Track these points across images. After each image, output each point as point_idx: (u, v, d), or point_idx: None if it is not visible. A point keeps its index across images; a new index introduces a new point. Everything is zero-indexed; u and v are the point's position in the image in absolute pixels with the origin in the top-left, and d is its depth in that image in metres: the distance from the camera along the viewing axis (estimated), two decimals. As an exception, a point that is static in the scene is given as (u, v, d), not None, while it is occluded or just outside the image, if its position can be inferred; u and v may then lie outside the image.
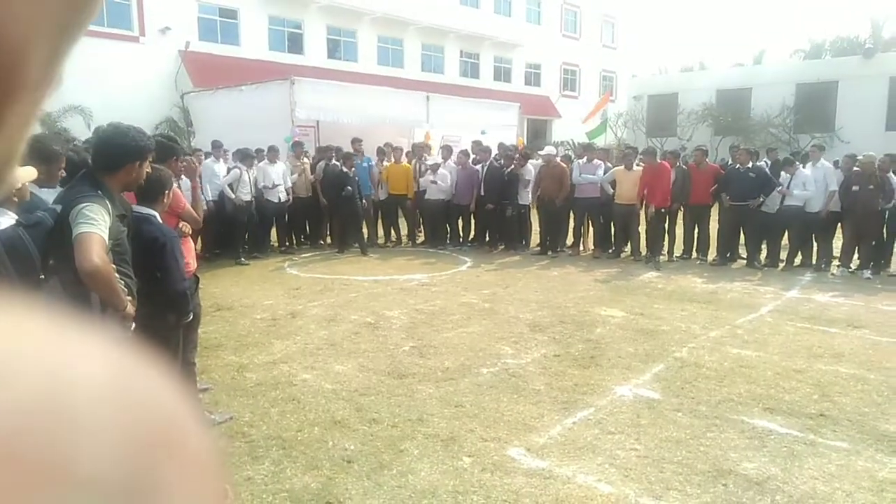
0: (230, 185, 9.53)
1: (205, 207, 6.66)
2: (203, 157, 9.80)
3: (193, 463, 0.21)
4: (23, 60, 0.22)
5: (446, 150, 11.63)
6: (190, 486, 0.20)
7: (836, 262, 9.30)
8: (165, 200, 3.48)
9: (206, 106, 13.23)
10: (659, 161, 10.25)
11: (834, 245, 9.47)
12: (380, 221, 11.62)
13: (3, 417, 0.16)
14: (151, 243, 3.29)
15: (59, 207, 2.70)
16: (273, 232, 10.59)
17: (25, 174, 2.38)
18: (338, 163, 10.43)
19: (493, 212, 10.81)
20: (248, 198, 9.64)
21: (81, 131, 11.72)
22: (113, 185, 2.78)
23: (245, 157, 9.66)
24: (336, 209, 10.46)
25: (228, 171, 9.79)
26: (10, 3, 0.21)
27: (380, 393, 4.44)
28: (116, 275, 2.68)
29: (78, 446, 0.17)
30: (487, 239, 11.20)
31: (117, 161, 2.78)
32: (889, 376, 4.84)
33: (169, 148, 4.31)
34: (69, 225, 2.56)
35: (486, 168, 10.97)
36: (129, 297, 2.80)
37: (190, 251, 4.15)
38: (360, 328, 6.05)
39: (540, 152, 11.27)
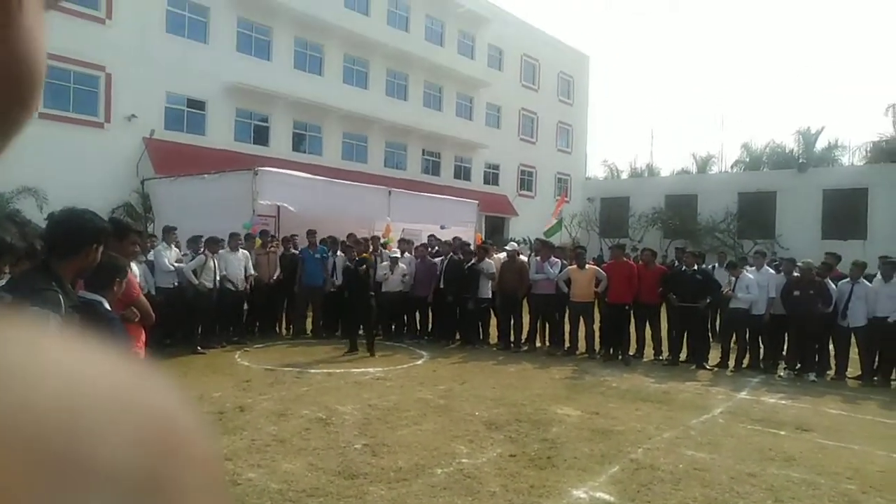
0: (194, 271, 9.41)
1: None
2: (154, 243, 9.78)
3: (201, 465, 0.22)
4: None
5: (404, 243, 11.81)
6: (198, 487, 0.21)
7: (782, 365, 9.56)
8: (116, 289, 3.37)
9: (167, 193, 13.23)
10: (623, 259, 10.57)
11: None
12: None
13: (28, 421, 0.18)
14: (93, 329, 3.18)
15: (7, 297, 2.59)
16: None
17: None
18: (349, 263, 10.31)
19: (451, 305, 10.87)
20: (210, 285, 9.51)
21: (33, 213, 11.52)
22: (68, 271, 2.70)
23: (212, 243, 9.61)
24: (350, 305, 10.15)
25: (184, 257, 9.70)
26: None
27: (328, 494, 4.25)
28: None
29: (96, 448, 0.18)
30: (445, 333, 11.18)
31: (74, 245, 2.72)
32: (838, 481, 4.89)
33: (123, 228, 4.20)
34: None
35: (446, 261, 11.13)
36: None
37: (139, 339, 4.02)
38: (310, 424, 5.85)
39: (507, 247, 11.52)
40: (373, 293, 10.02)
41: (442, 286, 10.97)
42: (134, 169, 17.77)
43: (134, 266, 4.49)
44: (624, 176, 38.73)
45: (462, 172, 29.95)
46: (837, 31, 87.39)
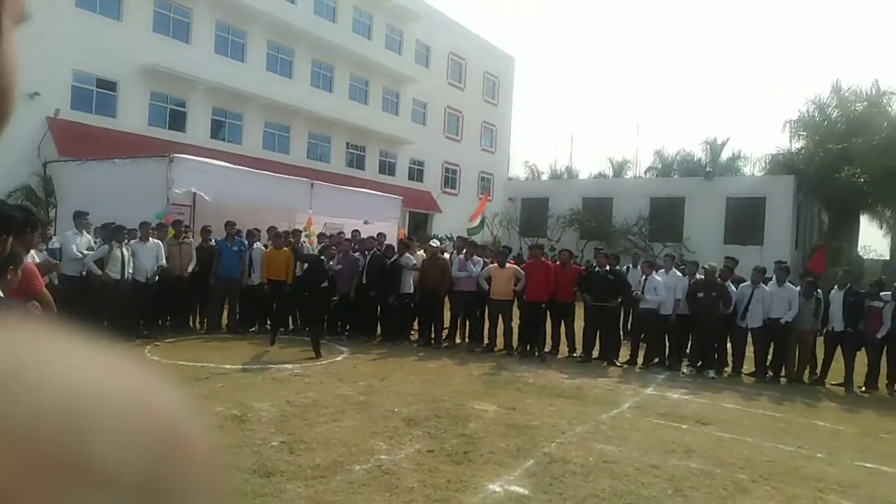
0: (97, 261, 8.92)
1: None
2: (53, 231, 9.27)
3: (201, 465, 0.23)
4: None
5: (325, 238, 11.72)
6: (199, 488, 0.22)
7: (685, 362, 10.12)
8: (10, 277, 3.19)
9: (73, 177, 12.46)
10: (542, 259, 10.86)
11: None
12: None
13: (30, 423, 0.18)
14: None
15: None
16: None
17: None
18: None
19: (373, 301, 10.85)
20: (117, 276, 9.04)
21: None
22: None
23: (117, 232, 9.12)
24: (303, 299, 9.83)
25: (95, 244, 9.22)
26: None
27: (244, 493, 4.16)
28: None
29: (99, 449, 0.19)
30: (366, 329, 11.13)
31: None
32: (732, 471, 5.25)
33: (32, 218, 3.98)
34: None
35: (368, 257, 11.09)
36: None
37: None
38: (224, 421, 5.70)
39: (430, 244, 11.61)
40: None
41: (364, 281, 10.93)
42: (35, 150, 16.61)
43: (34, 255, 4.23)
44: (544, 177, 39.75)
45: (387, 167, 29.82)
46: (744, 50, 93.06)
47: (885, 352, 9.40)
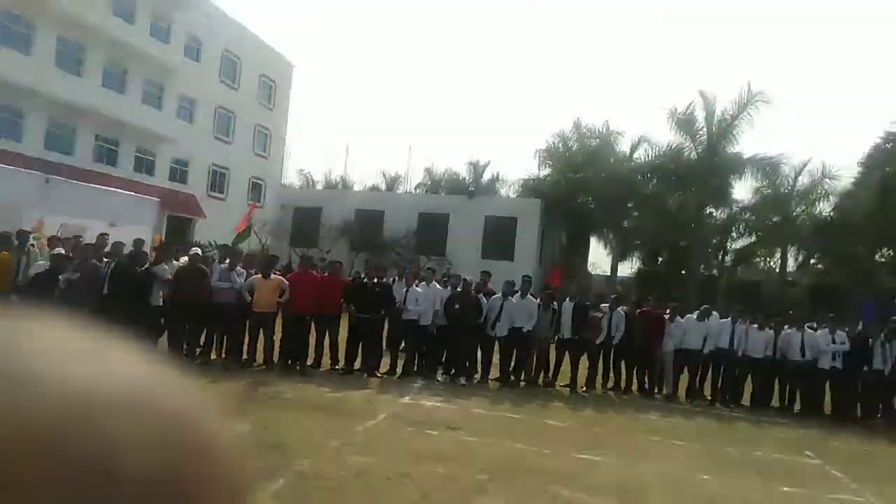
0: None
1: None
2: None
3: (223, 466, 0.22)
4: None
5: (57, 241, 10.30)
6: (220, 487, 0.21)
7: (440, 370, 10.77)
8: None
9: None
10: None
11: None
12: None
13: (47, 424, 0.18)
14: None
15: None
16: None
17: None
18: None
19: (121, 312, 9.73)
20: None
21: None
22: None
23: None
24: None
25: None
26: None
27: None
28: None
29: (116, 449, 0.19)
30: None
31: None
32: (474, 473, 5.70)
33: None
34: None
35: (112, 265, 9.95)
36: None
37: None
38: None
39: (193, 251, 10.78)
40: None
41: (107, 292, 9.77)
42: None
43: None
44: (319, 187, 39.51)
45: (144, 166, 27.12)
46: (507, 84, 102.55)
47: (601, 356, 11.00)
